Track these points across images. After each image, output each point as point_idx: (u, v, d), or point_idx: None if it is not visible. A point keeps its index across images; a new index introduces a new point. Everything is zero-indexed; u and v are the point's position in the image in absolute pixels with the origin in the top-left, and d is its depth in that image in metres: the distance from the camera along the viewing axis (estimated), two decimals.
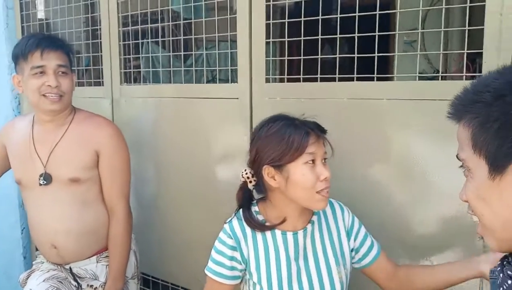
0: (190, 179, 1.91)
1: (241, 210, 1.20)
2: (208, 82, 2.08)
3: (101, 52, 2.09)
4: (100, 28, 2.09)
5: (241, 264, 1.16)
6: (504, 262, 0.66)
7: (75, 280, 1.64)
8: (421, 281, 1.16)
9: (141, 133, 2.02)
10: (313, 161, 1.08)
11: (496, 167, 0.60)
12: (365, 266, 1.22)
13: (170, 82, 2.01)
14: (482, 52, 1.22)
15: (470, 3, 1.22)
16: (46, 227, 1.59)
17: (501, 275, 0.65)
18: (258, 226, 1.16)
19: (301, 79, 1.54)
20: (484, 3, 1.20)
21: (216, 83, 1.99)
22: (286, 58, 1.56)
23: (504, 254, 0.68)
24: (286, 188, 1.10)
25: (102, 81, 2.12)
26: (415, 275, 1.18)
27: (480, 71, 1.24)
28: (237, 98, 1.71)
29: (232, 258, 1.15)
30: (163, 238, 2.04)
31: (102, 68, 2.10)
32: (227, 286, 1.17)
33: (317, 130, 1.10)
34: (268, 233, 1.16)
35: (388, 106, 1.39)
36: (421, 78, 1.38)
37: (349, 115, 1.46)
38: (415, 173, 1.36)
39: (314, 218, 1.20)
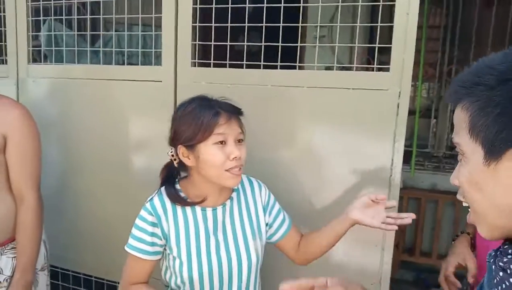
0: (106, 165, 1.83)
1: (163, 187, 1.22)
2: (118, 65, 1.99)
3: (4, 27, 1.90)
4: (3, 1, 1.89)
5: (161, 239, 1.18)
6: (497, 253, 0.64)
7: None
8: (314, 243, 1.28)
9: (52, 117, 1.88)
10: (224, 141, 1.12)
11: (492, 153, 0.58)
12: (277, 240, 1.31)
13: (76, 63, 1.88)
14: (382, 49, 1.39)
15: (383, 1, 1.37)
16: None
17: (493, 267, 0.64)
18: (180, 200, 1.18)
19: (227, 64, 1.58)
20: (394, 2, 1.35)
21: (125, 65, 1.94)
22: (212, 43, 1.58)
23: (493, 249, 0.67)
24: (199, 167, 1.14)
25: (5, 59, 1.93)
26: (309, 240, 1.30)
27: (381, 64, 1.42)
28: (160, 81, 1.68)
29: (153, 234, 1.17)
30: (73, 227, 1.94)
31: (5, 45, 1.91)
32: (149, 262, 1.19)
33: (229, 111, 1.13)
34: (188, 209, 1.20)
35: (308, 93, 1.49)
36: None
37: (273, 101, 1.53)
38: (327, 157, 1.49)
39: (234, 195, 1.26)
